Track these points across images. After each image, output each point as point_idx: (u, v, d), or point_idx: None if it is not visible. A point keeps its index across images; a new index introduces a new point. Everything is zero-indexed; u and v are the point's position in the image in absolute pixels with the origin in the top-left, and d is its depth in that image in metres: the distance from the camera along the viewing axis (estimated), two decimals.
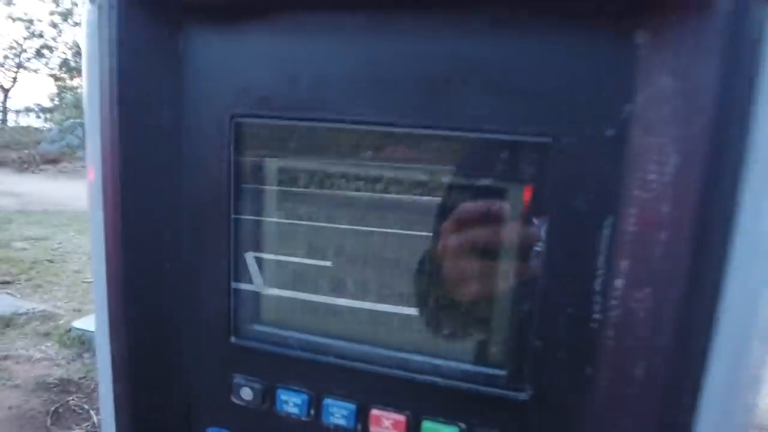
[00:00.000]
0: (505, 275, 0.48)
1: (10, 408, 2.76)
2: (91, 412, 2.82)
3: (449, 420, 0.51)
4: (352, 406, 0.52)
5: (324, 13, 0.48)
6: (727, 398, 0.43)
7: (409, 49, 0.46)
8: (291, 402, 0.54)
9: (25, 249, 5.67)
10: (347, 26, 0.47)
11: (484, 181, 0.47)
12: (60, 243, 6.01)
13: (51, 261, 5.38)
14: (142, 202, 0.52)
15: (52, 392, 2.96)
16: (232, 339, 0.55)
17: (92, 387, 3.03)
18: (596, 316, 0.46)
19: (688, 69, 0.40)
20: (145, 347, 0.55)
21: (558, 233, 0.45)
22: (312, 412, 0.54)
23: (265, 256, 0.54)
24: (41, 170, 12.98)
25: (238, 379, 0.56)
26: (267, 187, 0.53)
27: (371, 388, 0.52)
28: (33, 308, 4.05)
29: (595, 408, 0.47)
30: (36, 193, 9.56)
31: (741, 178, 0.39)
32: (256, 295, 0.55)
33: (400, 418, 0.51)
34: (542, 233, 0.46)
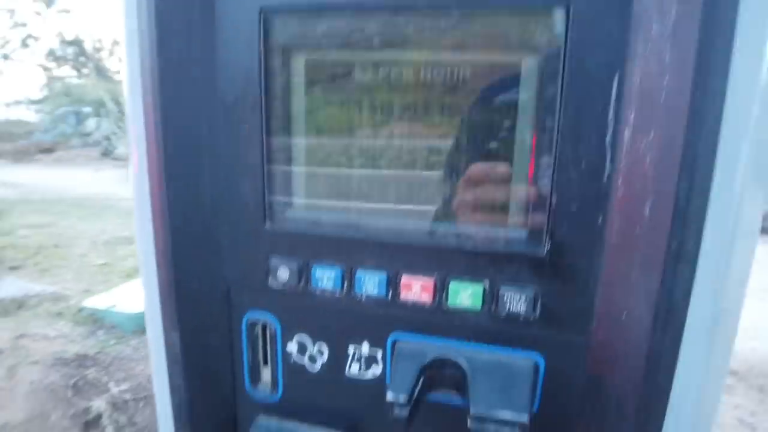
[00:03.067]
0: (522, 139, 0.52)
1: (31, 383, 2.83)
2: (110, 384, 2.89)
3: (474, 279, 0.55)
4: (383, 275, 0.57)
5: None
6: (729, 217, 0.47)
7: None
8: (325, 277, 0.58)
9: (28, 236, 5.72)
10: None
11: (501, 56, 0.50)
12: (63, 229, 6.06)
13: (56, 246, 5.42)
14: (181, 97, 0.56)
15: (70, 367, 3.05)
16: (267, 225, 0.59)
17: (108, 361, 3.11)
18: (607, 167, 0.50)
19: None
20: (186, 235, 0.59)
21: (572, 94, 0.49)
22: (345, 285, 0.58)
23: (295, 141, 0.58)
24: (36, 160, 12.93)
25: (274, 261, 0.60)
26: (295, 78, 0.56)
27: (400, 257, 0.56)
28: (43, 290, 4.11)
29: (608, 250, 0.51)
30: (33, 183, 9.58)
31: (737, 24, 0.42)
32: (288, 180, 0.59)
33: (428, 281, 0.56)
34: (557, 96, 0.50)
